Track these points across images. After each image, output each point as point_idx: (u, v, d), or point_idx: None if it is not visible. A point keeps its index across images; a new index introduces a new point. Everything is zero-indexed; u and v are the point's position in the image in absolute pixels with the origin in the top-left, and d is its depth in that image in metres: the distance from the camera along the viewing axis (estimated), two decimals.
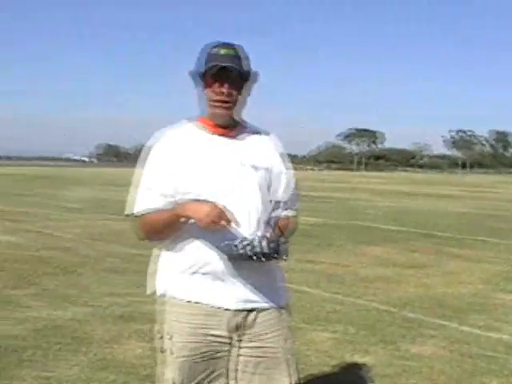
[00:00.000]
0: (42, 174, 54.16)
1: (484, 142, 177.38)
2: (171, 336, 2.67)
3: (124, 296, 7.32)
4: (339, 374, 5.04)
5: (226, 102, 2.62)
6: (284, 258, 2.48)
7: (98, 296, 7.31)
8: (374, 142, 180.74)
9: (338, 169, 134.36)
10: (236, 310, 2.63)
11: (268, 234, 2.51)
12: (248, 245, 2.42)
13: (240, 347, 2.67)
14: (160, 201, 2.64)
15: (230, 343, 2.65)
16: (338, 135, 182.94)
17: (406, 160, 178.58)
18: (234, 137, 2.72)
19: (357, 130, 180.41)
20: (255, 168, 2.68)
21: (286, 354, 2.72)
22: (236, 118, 2.74)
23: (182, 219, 2.56)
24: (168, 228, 2.64)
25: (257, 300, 2.66)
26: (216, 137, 2.69)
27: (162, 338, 2.72)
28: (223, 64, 2.56)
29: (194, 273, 2.63)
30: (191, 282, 2.65)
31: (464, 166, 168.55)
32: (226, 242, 2.48)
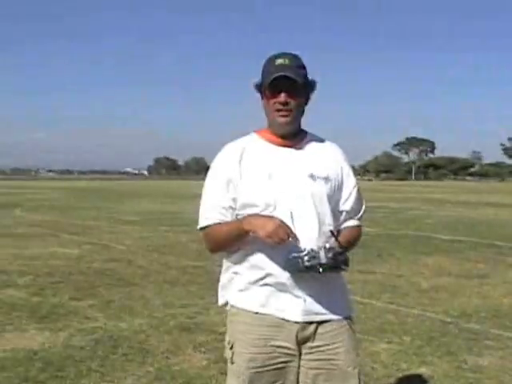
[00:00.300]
0: (100, 188, 55.08)
1: None
2: (232, 345, 2.69)
3: (183, 307, 7.33)
4: None
5: (284, 111, 2.62)
6: (346, 268, 2.47)
7: (156, 307, 7.34)
8: (431, 151, 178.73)
9: (397, 179, 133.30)
10: (305, 323, 2.60)
11: (333, 246, 2.48)
12: (314, 257, 2.41)
13: (301, 359, 2.64)
14: (221, 214, 2.66)
15: (295, 355, 2.63)
16: (396, 145, 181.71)
17: (463, 168, 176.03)
18: (297, 147, 2.71)
19: (413, 138, 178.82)
20: (320, 178, 2.66)
21: (346, 367, 2.66)
22: (298, 128, 2.73)
23: (248, 233, 2.54)
24: (230, 241, 2.65)
25: (323, 312, 2.63)
26: (279, 147, 2.69)
27: (229, 348, 2.73)
28: (275, 74, 2.56)
29: (260, 285, 2.62)
30: (258, 294, 2.63)
31: None
32: (293, 255, 2.46)
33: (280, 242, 2.45)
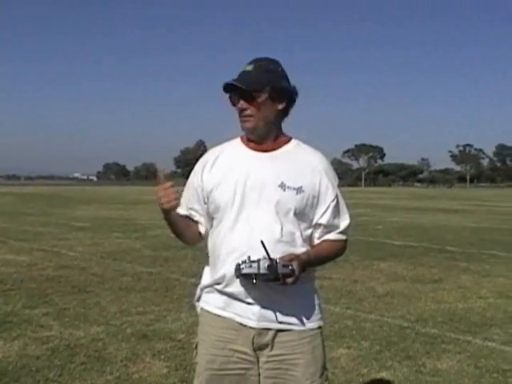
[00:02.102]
0: (49, 193, 54.25)
1: (490, 155, 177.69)
2: (196, 345, 2.73)
3: (140, 315, 7.23)
4: None
5: (244, 117, 2.62)
6: (289, 281, 2.42)
7: (113, 315, 7.22)
8: (380, 158, 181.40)
9: (347, 185, 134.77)
10: (261, 329, 2.58)
11: (277, 257, 2.42)
12: (251, 266, 2.40)
13: (259, 367, 2.62)
14: (184, 211, 2.77)
15: (254, 362, 2.61)
16: (345, 152, 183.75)
17: (412, 175, 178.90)
18: (273, 153, 2.67)
19: (362, 145, 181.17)
20: (291, 189, 2.59)
21: (304, 380, 2.61)
22: (271, 134, 2.68)
23: (165, 211, 2.64)
24: (170, 228, 2.78)
25: (281, 320, 2.59)
26: (254, 152, 2.68)
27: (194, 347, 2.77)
28: (227, 82, 2.59)
29: (219, 289, 2.64)
30: (218, 297, 2.66)
31: (472, 180, 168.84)
32: (238, 261, 2.46)
33: (165, 206, 2.57)
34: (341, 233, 2.74)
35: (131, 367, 5.35)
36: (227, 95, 2.65)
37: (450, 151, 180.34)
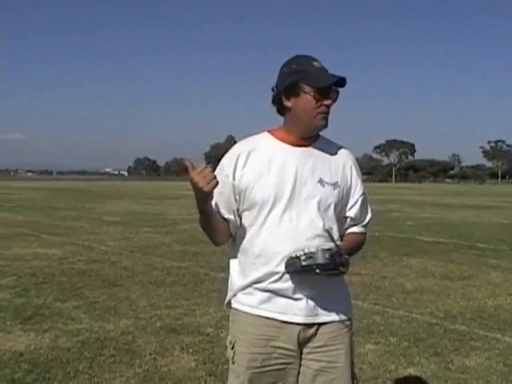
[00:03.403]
0: (81, 188, 54.75)
1: None
2: (233, 345, 2.67)
3: (169, 309, 7.30)
4: None
5: (327, 114, 2.59)
6: (344, 270, 2.45)
7: (142, 308, 7.30)
8: (411, 154, 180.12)
9: (378, 181, 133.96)
10: (306, 324, 2.59)
11: (331, 247, 2.45)
12: (311, 257, 2.40)
13: (302, 359, 2.63)
14: (219, 208, 2.65)
15: (295, 356, 2.62)
16: (376, 147, 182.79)
17: (443, 171, 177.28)
18: (310, 148, 2.65)
19: (393, 141, 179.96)
20: (329, 184, 2.62)
21: (346, 369, 2.66)
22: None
23: (201, 202, 2.49)
24: (204, 222, 2.62)
25: (324, 313, 2.62)
26: (292, 147, 2.63)
27: (231, 348, 2.72)
28: (334, 79, 2.52)
29: (262, 286, 2.60)
30: (259, 295, 2.62)
31: (503, 176, 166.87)
32: (292, 255, 2.46)
33: (205, 189, 2.38)
34: (364, 226, 2.82)
35: (160, 360, 5.41)
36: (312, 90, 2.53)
37: (481, 147, 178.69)
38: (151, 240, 14.55)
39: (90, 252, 12.23)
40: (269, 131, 2.71)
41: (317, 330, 2.62)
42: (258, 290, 2.61)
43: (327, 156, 2.68)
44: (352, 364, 2.71)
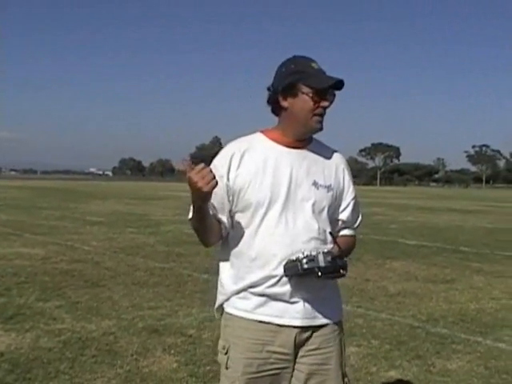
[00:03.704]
0: (65, 188, 54.51)
1: (507, 156, 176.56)
2: (227, 350, 2.61)
3: (151, 309, 7.28)
4: None
5: (322, 116, 2.57)
6: (344, 273, 2.43)
7: (124, 309, 7.27)
8: (396, 157, 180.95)
9: (363, 184, 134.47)
10: (304, 327, 2.58)
11: (331, 250, 2.46)
12: (313, 260, 2.38)
13: (296, 362, 2.62)
14: (214, 209, 2.58)
15: (290, 360, 2.60)
16: (361, 150, 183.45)
17: (427, 175, 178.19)
18: (304, 150, 2.64)
19: (378, 144, 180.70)
20: (323, 187, 2.62)
21: (337, 372, 2.66)
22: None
23: (198, 204, 2.42)
24: (198, 223, 2.53)
25: (320, 316, 2.61)
26: (286, 148, 2.61)
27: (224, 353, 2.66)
28: (332, 81, 2.50)
29: (257, 290, 2.55)
30: (254, 299, 2.57)
31: (488, 180, 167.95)
32: (292, 258, 2.44)
33: (205, 189, 2.30)
34: (355, 228, 2.82)
35: (142, 361, 5.39)
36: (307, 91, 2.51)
37: (465, 151, 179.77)
38: (135, 241, 14.50)
39: (73, 252, 12.16)
40: (262, 131, 2.67)
41: (312, 332, 2.61)
42: (254, 294, 2.56)
43: (321, 159, 2.67)
44: (343, 364, 2.71)
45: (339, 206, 2.70)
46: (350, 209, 2.73)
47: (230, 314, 2.63)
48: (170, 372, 5.14)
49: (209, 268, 9.62)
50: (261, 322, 2.56)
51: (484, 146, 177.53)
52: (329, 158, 2.70)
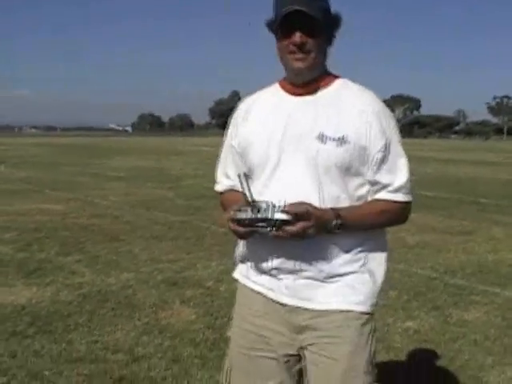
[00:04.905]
0: (85, 144, 54.72)
1: None
2: (232, 318, 2.45)
3: (170, 262, 7.36)
4: (385, 338, 4.96)
5: (300, 54, 2.11)
6: (279, 230, 1.99)
7: (143, 262, 7.35)
8: (416, 109, 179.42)
9: None
10: (295, 307, 2.20)
11: (286, 205, 1.99)
12: (246, 211, 2.01)
13: (299, 350, 2.26)
14: (230, 180, 2.38)
15: (292, 345, 2.25)
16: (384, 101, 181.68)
17: (448, 127, 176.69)
18: (313, 96, 2.20)
19: (398, 96, 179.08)
20: (332, 140, 2.10)
21: (348, 372, 2.18)
22: (318, 73, 2.21)
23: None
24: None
25: (321, 300, 2.18)
26: (291, 97, 2.23)
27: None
28: (286, 9, 2.05)
29: (254, 258, 2.28)
30: (251, 267, 2.31)
31: (509, 132, 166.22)
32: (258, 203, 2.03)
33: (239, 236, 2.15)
34: (395, 191, 2.20)
35: (160, 313, 5.46)
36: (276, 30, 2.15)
37: (487, 103, 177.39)
38: (154, 195, 14.57)
39: (93, 207, 12.26)
40: (279, 81, 2.31)
41: (314, 317, 2.20)
42: (251, 262, 2.33)
43: (338, 103, 2.17)
44: (366, 367, 2.21)
45: (366, 162, 2.15)
46: (376, 165, 2.15)
47: (236, 280, 2.43)
48: (187, 324, 5.20)
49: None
50: (257, 292, 2.30)
51: (505, 97, 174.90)
52: (351, 102, 2.17)
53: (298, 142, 2.14)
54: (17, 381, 4.08)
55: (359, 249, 2.20)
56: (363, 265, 2.21)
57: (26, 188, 15.82)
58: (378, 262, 2.26)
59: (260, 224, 2.00)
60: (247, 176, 2.09)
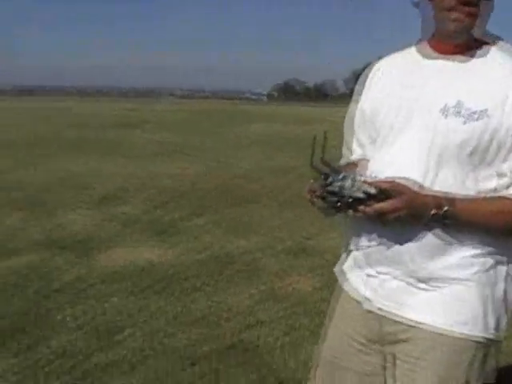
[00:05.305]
0: (222, 110, 55.55)
1: None
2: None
3: (294, 231, 7.27)
4: None
5: (461, 13, 1.68)
6: (353, 209, 1.67)
7: (268, 229, 7.32)
8: None
9: None
10: (381, 315, 1.84)
11: (367, 179, 1.68)
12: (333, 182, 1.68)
13: (384, 367, 1.92)
14: (353, 153, 2.02)
15: (376, 352, 1.91)
16: None
17: None
18: (453, 60, 1.77)
19: None
20: (456, 115, 1.68)
21: None
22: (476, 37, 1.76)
23: None
24: None
25: (416, 307, 1.78)
26: (426, 61, 1.82)
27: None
28: None
29: (347, 251, 2.01)
30: (344, 262, 2.05)
31: None
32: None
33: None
34: None
35: (278, 282, 5.42)
36: None
37: None
38: (289, 162, 14.22)
39: (227, 171, 12.24)
40: (418, 43, 1.89)
41: (403, 329, 1.81)
42: (345, 255, 2.07)
43: (477, 74, 1.74)
44: None
45: (499, 148, 1.68)
46: (504, 152, 1.68)
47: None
48: (304, 294, 5.13)
49: None
50: (345, 291, 1.98)
51: None
52: (499, 70, 1.72)
53: (420, 114, 1.74)
54: (132, 338, 4.17)
55: (480, 251, 1.74)
56: (485, 271, 1.75)
57: (159, 152, 16.05)
58: (494, 274, 1.77)
59: (331, 198, 1.68)
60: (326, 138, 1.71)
